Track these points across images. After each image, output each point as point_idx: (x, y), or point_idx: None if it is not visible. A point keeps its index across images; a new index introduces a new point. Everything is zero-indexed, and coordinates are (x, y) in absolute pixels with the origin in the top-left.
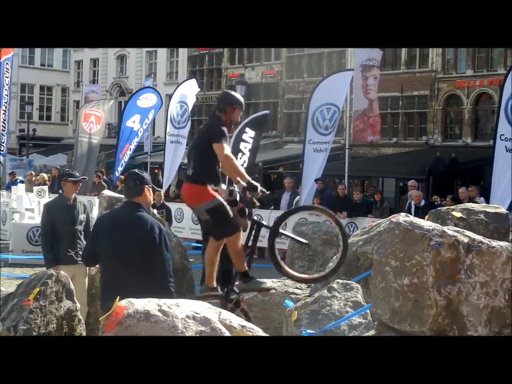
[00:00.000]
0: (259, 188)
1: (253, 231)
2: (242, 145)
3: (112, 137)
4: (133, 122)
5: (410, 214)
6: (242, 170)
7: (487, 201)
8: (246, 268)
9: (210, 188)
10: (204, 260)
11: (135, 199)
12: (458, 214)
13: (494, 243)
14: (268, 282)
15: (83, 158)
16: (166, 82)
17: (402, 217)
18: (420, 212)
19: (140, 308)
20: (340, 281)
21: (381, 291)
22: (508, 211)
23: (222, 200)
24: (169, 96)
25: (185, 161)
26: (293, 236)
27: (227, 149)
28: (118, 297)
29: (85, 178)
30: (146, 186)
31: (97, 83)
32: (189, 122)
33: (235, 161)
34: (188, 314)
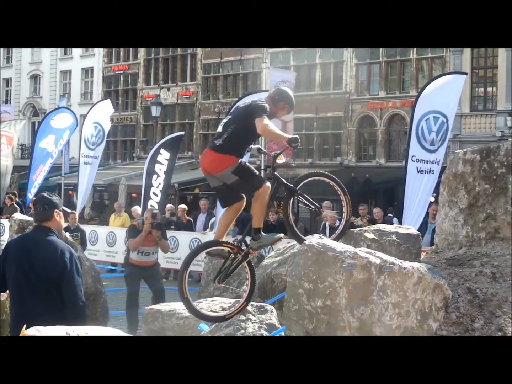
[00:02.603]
0: (297, 138)
1: (273, 186)
2: (157, 167)
3: (26, 158)
4: (47, 143)
5: (325, 235)
6: (280, 132)
7: (400, 221)
8: (261, 225)
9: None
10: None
11: (44, 223)
12: (370, 236)
13: (406, 264)
14: (278, 234)
15: None
16: (81, 103)
17: (315, 239)
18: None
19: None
20: (255, 303)
21: (294, 314)
22: (419, 232)
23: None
24: (84, 117)
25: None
26: (307, 198)
27: (266, 120)
28: (24, 325)
29: None
30: (56, 210)
31: (10, 103)
32: (103, 143)
33: (272, 128)
34: None
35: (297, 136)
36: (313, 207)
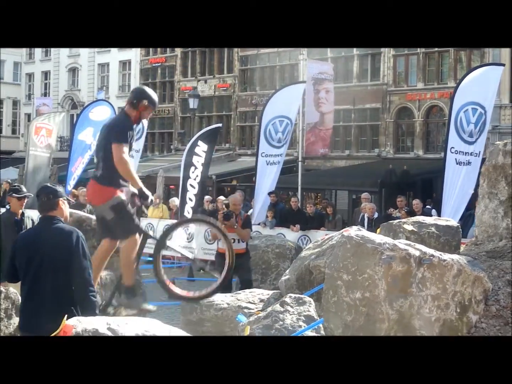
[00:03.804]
0: (150, 197)
1: (140, 241)
2: (194, 159)
3: (64, 150)
4: (85, 135)
5: (363, 226)
6: (135, 175)
7: (439, 213)
8: (133, 283)
9: (117, 190)
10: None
11: (50, 213)
12: (409, 227)
13: (445, 256)
14: (151, 306)
15: (35, 172)
16: (119, 95)
17: (353, 231)
18: (373, 225)
19: (89, 326)
20: (293, 295)
21: (333, 305)
22: (458, 224)
23: (125, 198)
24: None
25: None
26: (179, 250)
27: (124, 150)
28: (65, 316)
29: (30, 195)
30: (61, 198)
31: (49, 96)
32: (143, 136)
33: (128, 165)
34: (138, 332)
35: (149, 194)
36: (189, 257)
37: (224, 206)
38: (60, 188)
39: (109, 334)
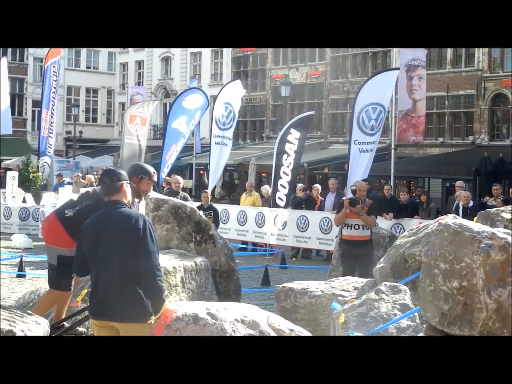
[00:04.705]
0: None
1: None
2: (287, 147)
3: (158, 139)
4: (179, 123)
5: (458, 215)
6: None
7: None
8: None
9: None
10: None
11: (114, 196)
12: (508, 216)
13: None
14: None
15: (129, 160)
16: (211, 84)
17: (450, 219)
18: (468, 213)
19: (189, 311)
20: (388, 283)
21: (430, 294)
22: None
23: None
24: (214, 98)
25: (233, 161)
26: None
27: None
28: (165, 301)
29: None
30: (124, 182)
31: (142, 85)
32: (234, 123)
33: None
34: (237, 317)
35: None
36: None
37: (350, 192)
38: (123, 172)
39: (209, 318)
